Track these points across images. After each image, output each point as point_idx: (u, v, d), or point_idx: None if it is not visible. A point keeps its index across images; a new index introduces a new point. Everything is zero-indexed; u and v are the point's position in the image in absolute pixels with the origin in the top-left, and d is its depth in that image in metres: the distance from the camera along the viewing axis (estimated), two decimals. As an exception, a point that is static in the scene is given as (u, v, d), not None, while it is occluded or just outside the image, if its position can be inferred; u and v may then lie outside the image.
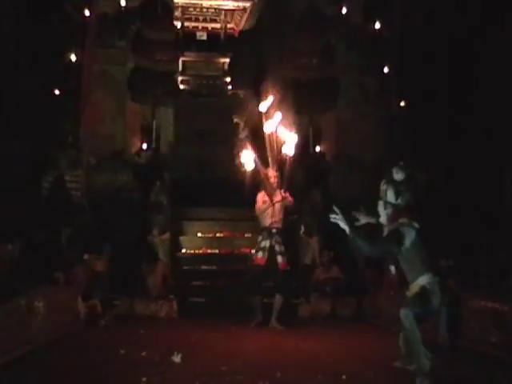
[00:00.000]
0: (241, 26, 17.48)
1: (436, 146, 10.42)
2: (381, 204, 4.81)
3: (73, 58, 10.45)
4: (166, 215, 9.87)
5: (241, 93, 16.39)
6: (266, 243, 7.42)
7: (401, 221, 4.61)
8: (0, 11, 9.22)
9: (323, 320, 8.27)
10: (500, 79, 9.22)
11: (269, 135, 7.46)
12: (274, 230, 7.47)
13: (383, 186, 4.79)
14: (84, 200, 9.68)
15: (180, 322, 7.97)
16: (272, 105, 7.51)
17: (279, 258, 7.41)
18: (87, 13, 10.40)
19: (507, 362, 5.18)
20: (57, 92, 10.20)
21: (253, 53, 15.74)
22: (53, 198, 9.41)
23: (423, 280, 4.55)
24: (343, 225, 4.56)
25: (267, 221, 7.49)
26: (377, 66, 11.31)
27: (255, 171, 7.54)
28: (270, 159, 7.51)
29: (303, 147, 11.57)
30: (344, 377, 4.83)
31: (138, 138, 11.42)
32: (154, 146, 11.29)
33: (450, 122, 10.17)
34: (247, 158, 7.44)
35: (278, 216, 7.50)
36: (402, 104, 10.89)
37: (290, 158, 7.41)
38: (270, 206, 7.45)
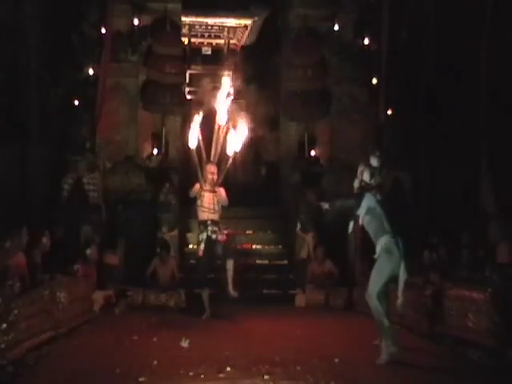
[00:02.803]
0: (242, 42, 17.54)
1: (420, 150, 10.46)
2: (356, 182, 5.38)
3: (90, 71, 10.49)
4: (174, 214, 9.91)
5: (242, 102, 16.42)
6: (202, 236, 7.13)
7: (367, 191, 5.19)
8: (26, 30, 9.28)
9: (317, 309, 8.31)
10: (478, 89, 9.27)
11: (218, 127, 7.11)
12: (208, 222, 7.13)
13: (360, 168, 5.36)
14: (100, 200, 9.71)
15: (187, 311, 8.00)
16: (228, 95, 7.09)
17: (217, 242, 7.11)
18: (103, 31, 10.44)
19: (481, 344, 5.23)
20: (76, 102, 10.26)
21: (253, 66, 15.76)
22: (72, 199, 9.46)
23: (382, 241, 4.99)
24: (324, 205, 5.40)
25: (202, 215, 7.16)
26: (366, 78, 11.34)
27: (196, 156, 7.13)
28: (213, 151, 7.19)
29: (300, 152, 11.66)
30: (337, 360, 4.89)
31: (148, 144, 11.43)
32: (163, 151, 11.31)
33: (433, 129, 10.21)
34: (193, 136, 7.03)
35: (212, 207, 7.14)
36: (389, 112, 10.92)
37: (234, 154, 7.08)
38: (201, 190, 7.13)
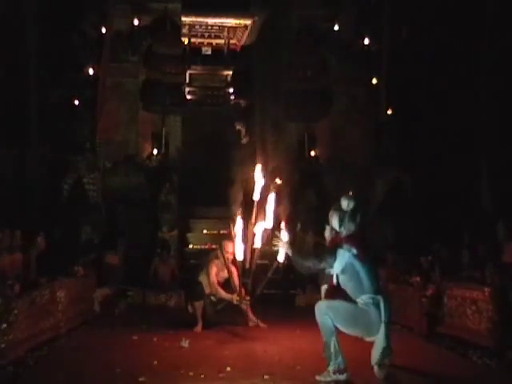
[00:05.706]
0: (242, 42, 17.57)
1: (420, 150, 10.46)
2: (328, 229, 4.85)
3: (90, 71, 10.50)
4: (174, 214, 9.93)
5: (242, 102, 16.44)
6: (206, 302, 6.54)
7: (340, 246, 4.39)
8: (26, 31, 9.29)
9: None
10: (478, 89, 9.27)
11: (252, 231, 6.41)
12: (212, 298, 6.58)
13: (330, 213, 4.55)
14: (100, 200, 9.73)
15: (187, 311, 7.98)
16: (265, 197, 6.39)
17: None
18: (103, 31, 10.44)
19: (481, 344, 5.23)
20: (76, 102, 10.26)
21: (253, 66, 15.78)
22: (72, 198, 9.47)
23: (362, 299, 4.29)
24: (287, 249, 4.57)
25: (210, 288, 6.53)
26: (366, 78, 11.34)
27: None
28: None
29: (300, 152, 11.66)
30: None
31: (148, 144, 11.46)
32: (163, 150, 11.31)
33: (433, 129, 10.22)
34: (240, 247, 6.26)
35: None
36: (389, 112, 10.92)
37: (255, 250, 6.41)
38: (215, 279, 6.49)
